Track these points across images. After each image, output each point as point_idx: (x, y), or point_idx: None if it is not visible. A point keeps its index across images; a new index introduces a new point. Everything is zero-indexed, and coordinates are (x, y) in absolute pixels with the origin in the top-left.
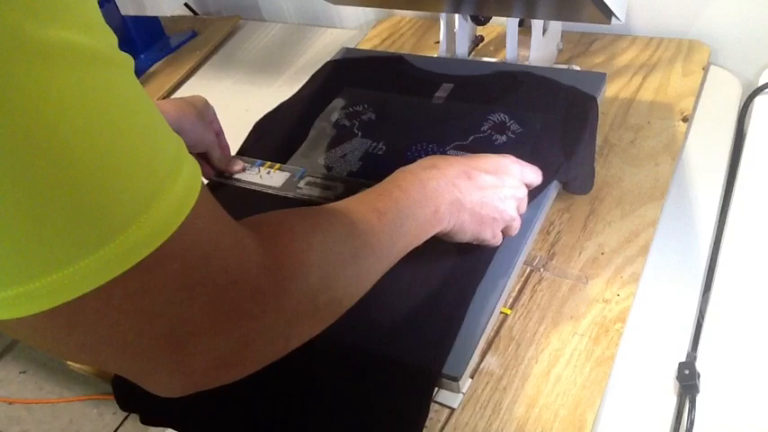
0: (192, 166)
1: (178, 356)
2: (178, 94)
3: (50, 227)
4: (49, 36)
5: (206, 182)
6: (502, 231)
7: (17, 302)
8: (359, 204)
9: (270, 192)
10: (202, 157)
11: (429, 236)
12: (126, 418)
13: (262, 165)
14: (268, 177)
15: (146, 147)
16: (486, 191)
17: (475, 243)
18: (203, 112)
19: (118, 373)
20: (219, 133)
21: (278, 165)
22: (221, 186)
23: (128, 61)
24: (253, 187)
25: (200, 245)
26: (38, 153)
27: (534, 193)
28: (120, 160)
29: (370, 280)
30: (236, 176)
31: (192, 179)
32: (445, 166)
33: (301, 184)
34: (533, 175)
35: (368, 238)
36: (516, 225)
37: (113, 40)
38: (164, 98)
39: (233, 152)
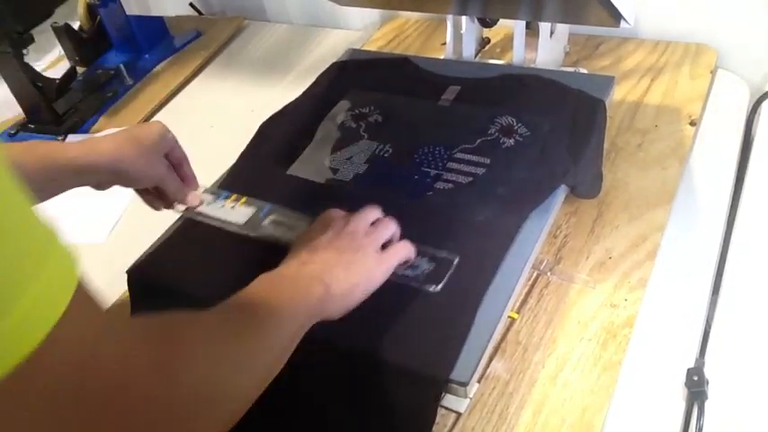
0: (63, 265)
1: None
2: (182, 94)
3: None
4: None
5: (166, 211)
6: (393, 248)
7: None
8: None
9: (232, 229)
10: (156, 190)
11: (317, 308)
12: None
13: (227, 197)
14: (232, 212)
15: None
16: (333, 240)
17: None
18: (153, 146)
19: None
20: (180, 164)
21: (244, 198)
22: (185, 222)
23: None
24: (215, 223)
25: (72, 354)
26: None
27: (541, 198)
28: None
29: (264, 374)
30: (200, 210)
31: (62, 282)
32: (283, 263)
33: (266, 222)
34: (365, 216)
35: (255, 333)
36: (396, 248)
37: None
38: (167, 100)
39: (238, 153)
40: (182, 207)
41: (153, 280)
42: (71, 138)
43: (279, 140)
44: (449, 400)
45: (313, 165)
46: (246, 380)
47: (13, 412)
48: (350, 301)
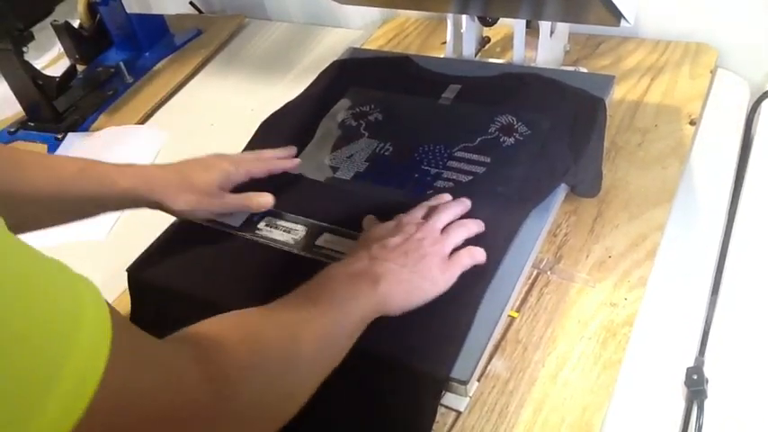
0: (95, 316)
1: None
2: (183, 92)
3: None
4: None
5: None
6: (457, 257)
7: None
8: (292, 305)
9: (228, 230)
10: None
11: (375, 309)
12: None
13: None
14: (228, 214)
15: (27, 332)
16: (399, 245)
17: (436, 294)
18: (207, 190)
19: None
20: (249, 177)
21: None
22: (181, 222)
23: None
24: (211, 225)
25: (124, 396)
26: None
27: (541, 197)
28: (2, 361)
29: (321, 369)
30: None
31: (98, 332)
32: (347, 259)
33: (261, 224)
34: (439, 220)
35: (303, 327)
36: (466, 253)
37: None
38: (167, 98)
39: (239, 151)
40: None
41: (153, 278)
42: (71, 136)
43: (279, 139)
44: (449, 398)
45: (313, 163)
46: (303, 379)
47: None
48: (410, 301)
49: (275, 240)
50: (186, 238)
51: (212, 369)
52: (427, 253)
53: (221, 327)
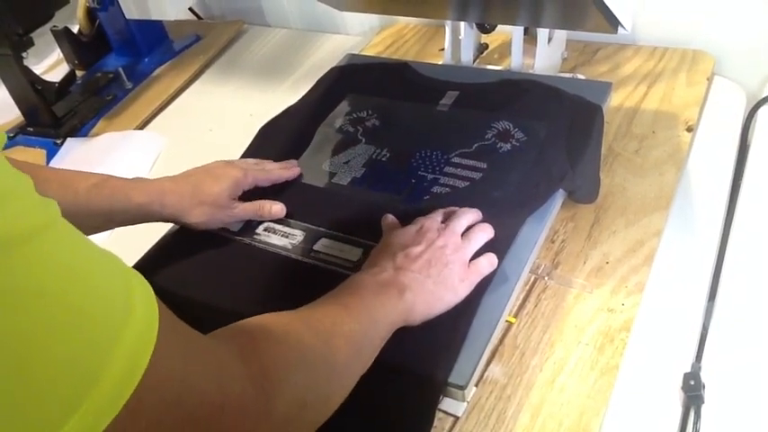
0: (144, 301)
1: None
2: (181, 98)
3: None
4: None
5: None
6: (476, 265)
7: None
8: (329, 309)
9: (227, 236)
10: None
11: (400, 319)
12: None
13: None
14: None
15: (85, 315)
16: (424, 255)
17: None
18: (217, 202)
19: None
20: (257, 184)
21: None
22: (180, 230)
23: (49, 215)
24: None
25: (171, 385)
26: None
27: (538, 203)
28: (61, 338)
29: (353, 374)
30: None
31: (147, 316)
32: (375, 262)
33: (259, 229)
34: (457, 224)
35: (336, 332)
36: (483, 262)
37: (25, 204)
38: (166, 104)
39: (237, 157)
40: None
41: (152, 282)
42: (70, 141)
43: (277, 144)
44: (446, 403)
45: (311, 169)
46: (337, 383)
47: None
48: (432, 311)
49: (274, 245)
50: (185, 242)
51: (255, 367)
52: (449, 261)
53: (263, 326)
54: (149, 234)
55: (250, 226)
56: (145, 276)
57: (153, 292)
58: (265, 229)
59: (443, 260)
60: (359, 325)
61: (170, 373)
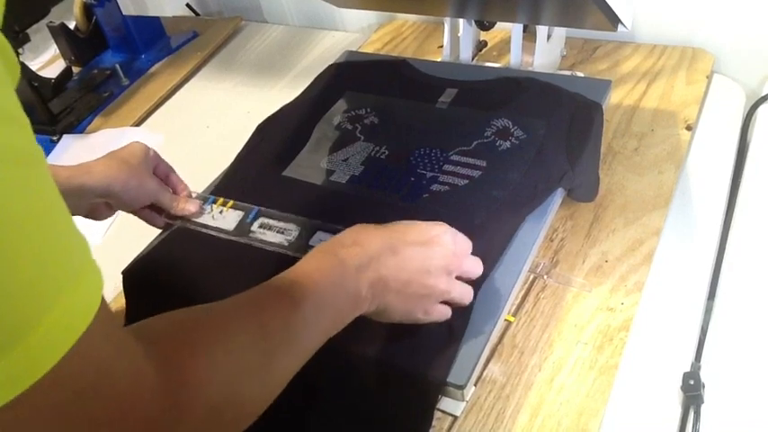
0: (93, 280)
1: None
2: (179, 94)
3: None
4: None
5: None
6: (447, 303)
7: None
8: (272, 294)
9: (222, 236)
10: (151, 208)
11: (351, 319)
12: None
13: (214, 202)
14: (220, 218)
15: (36, 259)
16: (412, 266)
17: (406, 322)
18: (140, 165)
19: None
20: (167, 174)
21: (231, 202)
22: (175, 232)
23: (35, 157)
24: (205, 230)
25: (91, 371)
26: None
27: (537, 202)
28: (4, 273)
29: (284, 379)
30: (191, 219)
31: (91, 295)
32: (368, 241)
33: (254, 226)
34: (465, 244)
35: (281, 336)
36: (459, 295)
37: (23, 131)
38: (163, 100)
39: (234, 154)
40: (177, 220)
41: (148, 281)
42: (66, 138)
43: (275, 142)
44: (445, 403)
45: (309, 166)
46: (266, 387)
47: (25, 422)
48: (386, 318)
49: (269, 243)
50: (181, 241)
51: (174, 380)
52: (432, 292)
53: (189, 326)
54: (144, 234)
55: (245, 223)
56: (140, 276)
57: (103, 282)
58: (261, 226)
59: (429, 283)
60: (303, 326)
61: (91, 361)
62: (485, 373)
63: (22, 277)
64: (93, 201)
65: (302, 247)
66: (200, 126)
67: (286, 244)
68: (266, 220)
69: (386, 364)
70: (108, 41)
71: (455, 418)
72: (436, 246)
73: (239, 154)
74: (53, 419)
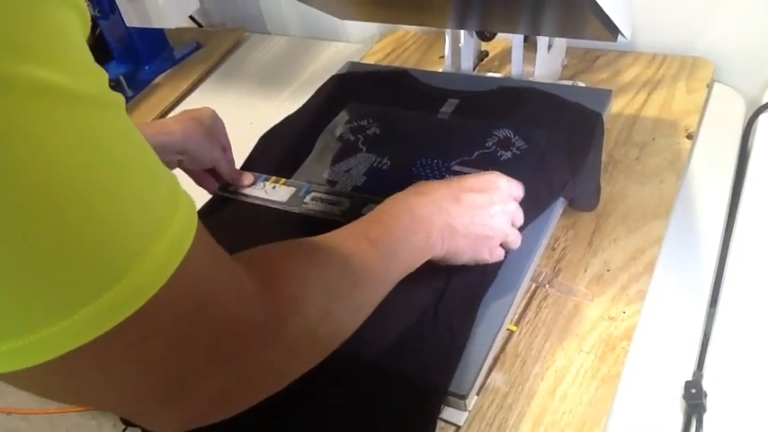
0: (187, 205)
1: (177, 399)
2: (182, 106)
3: (44, 279)
4: (31, 75)
5: (210, 197)
6: (501, 246)
7: (12, 357)
8: (351, 235)
9: (276, 207)
10: (210, 172)
11: (423, 261)
12: (125, 430)
13: (267, 179)
14: (273, 192)
15: (139, 191)
16: (475, 210)
17: (474, 264)
18: (211, 128)
19: (115, 413)
20: (227, 148)
21: (283, 179)
22: (226, 201)
23: (118, 102)
24: (258, 202)
25: (197, 288)
26: (27, 203)
27: (539, 211)
28: (114, 207)
29: (367, 310)
30: (241, 191)
31: (188, 219)
32: (432, 191)
33: (307, 199)
34: (518, 188)
35: (363, 268)
36: (514, 239)
37: (103, 80)
38: (167, 112)
39: (237, 165)
40: (230, 188)
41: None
42: None
43: (278, 153)
44: (448, 412)
45: (312, 177)
46: (352, 317)
47: (139, 344)
48: (452, 261)
49: (322, 212)
50: (233, 208)
51: (271, 296)
52: (494, 232)
53: (286, 255)
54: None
55: (297, 197)
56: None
57: (195, 206)
58: (312, 199)
59: (491, 223)
60: (381, 262)
61: (200, 277)
62: (487, 383)
63: (132, 208)
64: (171, 157)
65: (355, 215)
66: None
67: (338, 213)
68: (318, 194)
69: (388, 373)
70: (112, 53)
71: (458, 427)
72: (494, 190)
73: (242, 165)
74: (172, 332)
